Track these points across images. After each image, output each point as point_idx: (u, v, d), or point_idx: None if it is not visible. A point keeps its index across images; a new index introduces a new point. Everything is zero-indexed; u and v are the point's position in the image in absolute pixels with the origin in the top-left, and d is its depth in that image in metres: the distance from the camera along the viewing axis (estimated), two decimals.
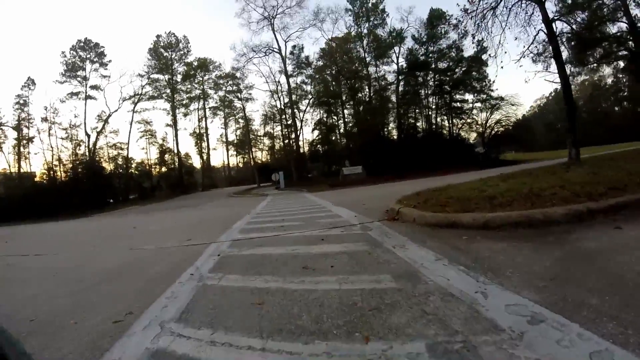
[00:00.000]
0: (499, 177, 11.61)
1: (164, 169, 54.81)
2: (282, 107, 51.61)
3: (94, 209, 33.65)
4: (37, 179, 47.63)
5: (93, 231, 13.54)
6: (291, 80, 48.64)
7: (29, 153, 50.40)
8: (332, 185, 30.29)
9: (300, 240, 5.77)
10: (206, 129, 63.07)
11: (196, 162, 66.61)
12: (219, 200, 27.89)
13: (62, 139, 49.80)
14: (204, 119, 61.94)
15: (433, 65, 45.91)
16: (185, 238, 7.63)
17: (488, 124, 47.47)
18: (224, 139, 70.17)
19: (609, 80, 76.12)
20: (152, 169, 54.86)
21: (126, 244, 8.07)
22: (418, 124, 50.01)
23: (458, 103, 48.14)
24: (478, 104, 47.49)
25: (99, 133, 50.03)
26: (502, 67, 17.28)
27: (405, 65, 46.09)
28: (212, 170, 73.62)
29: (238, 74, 50.85)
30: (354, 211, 8.94)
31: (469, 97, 47.95)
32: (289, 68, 48.21)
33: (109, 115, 50.47)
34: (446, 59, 46.55)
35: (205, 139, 63.36)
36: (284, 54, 46.11)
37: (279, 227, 7.51)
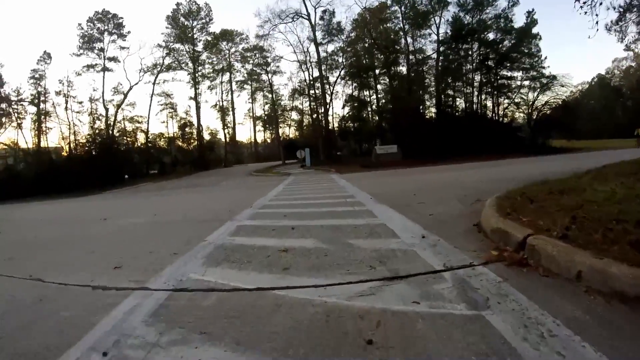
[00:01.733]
0: (617, 170, 7.87)
1: (183, 144, 52.13)
2: (311, 78, 47.80)
3: (109, 186, 31.38)
4: (64, 153, 45.95)
5: (60, 221, 10.48)
6: (321, 49, 44.82)
7: (47, 128, 48.93)
8: (364, 166, 26.87)
9: (310, 337, 2.19)
10: (232, 102, 60.91)
11: (222, 137, 64.05)
12: (234, 180, 24.88)
13: (77, 112, 48.02)
14: (230, 92, 59.64)
15: (479, 36, 41.17)
16: (128, 256, 4.57)
17: (535, 106, 43.03)
18: (251, 114, 67.41)
19: None
20: (172, 143, 52.19)
21: (48, 260, 4.96)
22: (458, 103, 46.03)
23: (505, 80, 43.36)
24: (527, 82, 42.85)
25: (118, 107, 47.83)
26: (597, 22, 13.03)
27: (449, 33, 41.43)
28: (238, 145, 71.13)
29: (264, 44, 47.06)
30: (412, 219, 5.39)
31: (517, 74, 43.19)
32: (319, 36, 44.26)
33: (130, 89, 48.71)
34: (493, 29, 41.83)
35: (231, 113, 61.21)
36: (313, 22, 42.20)
37: (279, 254, 4.00)
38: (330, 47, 47.88)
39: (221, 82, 57.29)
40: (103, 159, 38.90)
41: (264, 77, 56.10)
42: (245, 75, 58.42)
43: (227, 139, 63.06)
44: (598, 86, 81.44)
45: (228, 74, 57.79)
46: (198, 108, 51.67)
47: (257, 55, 52.81)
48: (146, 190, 23.20)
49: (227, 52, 55.46)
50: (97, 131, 45.73)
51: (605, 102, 77.42)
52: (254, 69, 55.88)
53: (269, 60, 52.51)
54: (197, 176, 35.84)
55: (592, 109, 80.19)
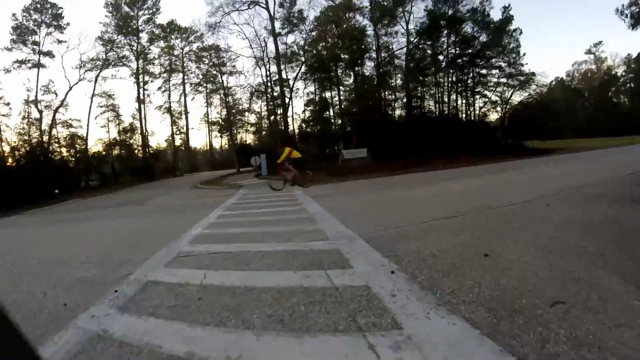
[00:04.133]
0: None
1: (123, 152, 46.15)
2: (268, 73, 42.70)
3: (33, 204, 25.50)
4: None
5: None
6: (281, 41, 40.25)
7: None
8: (332, 174, 22.31)
9: None
10: (185, 106, 55.59)
11: (173, 144, 58.44)
12: (171, 195, 19.72)
13: (4, 116, 41.33)
14: (183, 95, 54.52)
15: (455, 28, 37.45)
16: None
17: (510, 105, 40.58)
18: (207, 119, 62.06)
19: (620, 71, 72.44)
20: (111, 151, 46.17)
21: None
22: (430, 102, 42.47)
23: (481, 78, 40.28)
24: (504, 79, 39.73)
25: (55, 110, 41.51)
26: None
27: (425, 23, 37.33)
28: (193, 152, 65.54)
29: (215, 35, 41.83)
30: None
31: (494, 71, 39.99)
32: (278, 25, 39.50)
33: (70, 89, 42.12)
34: (469, 22, 38.35)
35: (184, 117, 56.25)
36: (272, 12, 37.41)
37: None
38: (291, 38, 43.40)
39: (168, 83, 52.04)
40: (31, 170, 33.02)
41: (220, 78, 51.00)
42: (200, 76, 53.16)
43: (179, 146, 57.85)
44: (559, 88, 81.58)
45: (181, 75, 52.47)
46: (140, 109, 45.96)
47: (212, 55, 47.61)
48: (61, 212, 17.91)
49: (181, 51, 50.19)
50: (25, 138, 39.57)
51: (566, 103, 77.47)
52: (210, 70, 50.61)
53: (225, 60, 47.32)
54: (136, 189, 30.30)
55: (553, 109, 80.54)
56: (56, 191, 33.86)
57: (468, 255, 3.81)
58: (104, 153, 45.52)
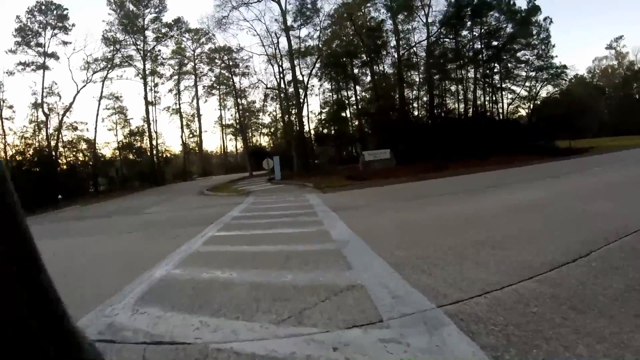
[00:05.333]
0: None
1: (132, 155, 44.27)
2: (281, 70, 39.88)
3: (34, 210, 23.68)
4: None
5: None
6: (293, 35, 37.56)
7: None
8: (351, 178, 19.99)
9: None
10: (197, 109, 54.48)
11: (187, 147, 56.78)
12: (171, 203, 17.16)
13: (7, 119, 39.73)
14: (195, 97, 53.49)
15: (480, 18, 34.58)
16: None
17: (538, 101, 38.30)
18: (221, 121, 60.77)
19: None
20: (119, 155, 44.30)
21: None
22: (454, 100, 39.92)
23: (508, 73, 37.40)
24: (533, 73, 37.04)
25: (63, 113, 39.93)
26: None
27: (449, 12, 34.02)
28: (205, 155, 64.08)
29: (224, 29, 39.31)
30: None
31: (522, 65, 37.25)
32: (290, 20, 36.77)
33: (78, 92, 40.65)
34: (495, 10, 35.27)
35: (196, 120, 55.19)
36: (283, 6, 34.92)
37: None
38: (304, 32, 40.84)
39: (179, 85, 50.50)
40: (37, 175, 31.56)
41: (232, 80, 49.03)
42: (213, 78, 51.90)
43: (192, 149, 56.77)
44: (580, 85, 78.33)
45: (193, 77, 51.26)
46: (148, 112, 44.02)
47: (224, 56, 45.68)
48: (49, 222, 15.61)
49: (192, 52, 48.83)
50: (29, 142, 37.91)
51: (587, 101, 74.30)
52: (222, 72, 49.05)
53: (237, 61, 45.57)
54: (140, 195, 28.11)
55: (582, 106, 77.39)
56: (59, 196, 31.94)
57: None
58: (112, 157, 43.70)
